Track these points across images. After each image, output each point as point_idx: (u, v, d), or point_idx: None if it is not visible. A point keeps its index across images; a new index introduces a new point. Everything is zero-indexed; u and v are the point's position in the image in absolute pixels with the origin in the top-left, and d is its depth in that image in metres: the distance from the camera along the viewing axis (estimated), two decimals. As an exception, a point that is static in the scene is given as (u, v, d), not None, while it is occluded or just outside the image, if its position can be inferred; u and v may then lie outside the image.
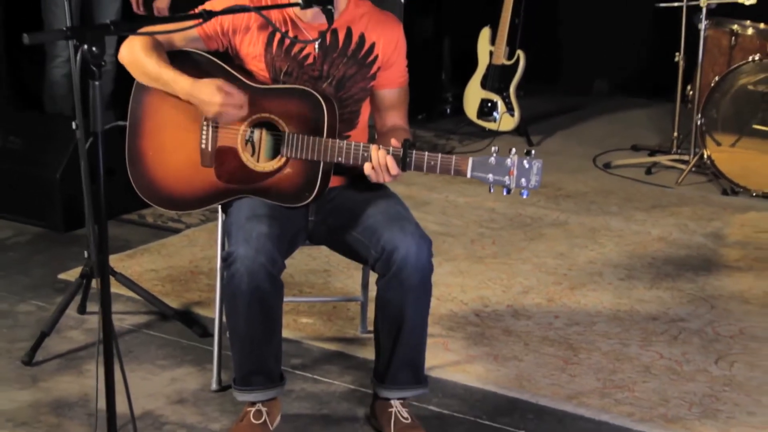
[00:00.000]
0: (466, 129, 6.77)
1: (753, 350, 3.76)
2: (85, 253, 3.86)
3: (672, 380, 3.53)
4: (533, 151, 2.86)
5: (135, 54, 3.07)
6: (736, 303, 4.17)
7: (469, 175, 2.88)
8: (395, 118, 3.26)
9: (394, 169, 2.90)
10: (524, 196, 2.88)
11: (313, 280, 4.31)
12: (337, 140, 2.98)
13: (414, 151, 2.90)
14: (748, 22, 5.85)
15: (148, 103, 3.17)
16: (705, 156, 5.62)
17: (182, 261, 4.53)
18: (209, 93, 3.00)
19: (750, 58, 5.47)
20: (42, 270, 4.43)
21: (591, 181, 5.84)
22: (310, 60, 3.13)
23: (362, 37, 3.16)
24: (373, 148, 2.92)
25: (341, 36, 3.15)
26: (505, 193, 2.89)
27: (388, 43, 3.19)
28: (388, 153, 2.90)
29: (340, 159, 2.98)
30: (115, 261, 4.40)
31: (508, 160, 2.86)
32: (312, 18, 3.12)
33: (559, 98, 7.77)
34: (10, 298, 4.15)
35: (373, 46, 3.17)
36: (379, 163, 2.91)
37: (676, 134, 6.11)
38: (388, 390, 3.16)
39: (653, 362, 3.65)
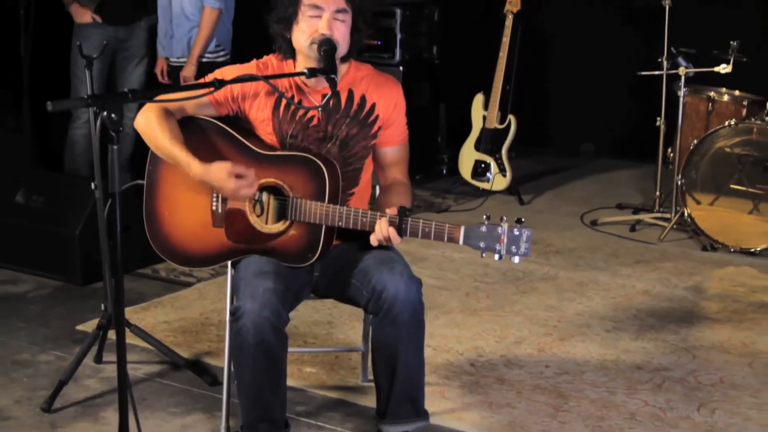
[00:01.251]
0: (461, 188, 6.79)
1: (733, 398, 3.74)
2: (102, 306, 3.86)
3: (656, 427, 3.51)
4: (523, 220, 2.87)
5: (150, 126, 3.09)
6: (716, 353, 4.15)
7: (461, 242, 2.89)
8: (396, 174, 3.27)
9: (396, 239, 2.92)
10: (515, 262, 2.88)
11: (317, 332, 4.30)
12: (338, 206, 3.00)
13: (409, 219, 2.92)
14: (723, 89, 5.88)
15: (163, 167, 3.19)
16: (686, 214, 5.62)
17: (193, 313, 4.52)
18: (221, 179, 3.01)
19: (726, 123, 5.49)
20: (61, 322, 4.42)
21: (579, 237, 5.84)
22: (315, 122, 3.16)
23: (363, 99, 3.19)
24: (378, 221, 2.93)
25: (343, 98, 3.17)
26: (496, 259, 2.89)
27: (388, 103, 3.21)
28: (389, 223, 2.91)
29: (340, 223, 2.99)
30: (131, 313, 4.40)
31: (499, 229, 2.86)
32: (315, 83, 3.14)
33: (548, 160, 7.78)
34: (31, 348, 4.14)
35: (373, 106, 3.19)
36: (382, 234, 2.92)
37: (658, 194, 6.12)
38: (389, 425, 3.14)
39: (639, 409, 3.63)
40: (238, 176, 3.01)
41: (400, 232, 2.92)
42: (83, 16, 5.57)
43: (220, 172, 3.01)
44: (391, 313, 2.97)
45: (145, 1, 5.76)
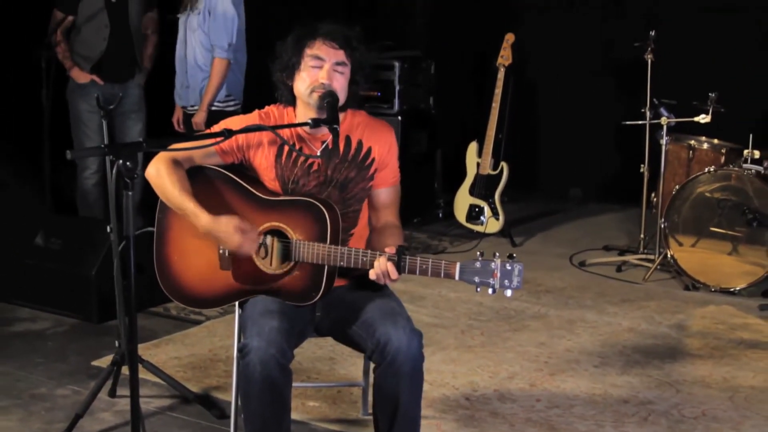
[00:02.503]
0: (456, 231, 6.80)
1: (714, 430, 3.73)
2: (116, 343, 3.86)
3: (642, 458, 3.50)
4: (515, 255, 2.88)
5: (161, 177, 3.11)
6: (698, 387, 4.14)
7: (457, 278, 2.89)
8: (388, 216, 3.28)
9: (394, 274, 2.92)
10: (508, 296, 2.88)
11: (320, 367, 4.29)
12: (339, 247, 3.01)
13: (408, 257, 2.92)
14: (703, 138, 5.92)
15: (172, 214, 3.20)
16: (668, 255, 5.63)
17: (202, 350, 4.51)
18: (228, 233, 3.03)
19: (706, 170, 5.52)
20: (77, 358, 4.42)
21: (568, 277, 5.84)
22: (315, 167, 3.17)
23: (360, 143, 3.21)
24: (378, 258, 2.94)
25: (341, 143, 3.19)
26: (490, 293, 2.89)
27: (383, 147, 3.23)
28: (388, 260, 2.92)
29: (342, 263, 3.00)
30: (143, 350, 4.39)
31: (492, 264, 2.86)
32: (315, 130, 3.16)
33: (538, 204, 7.80)
34: (49, 383, 4.12)
35: (369, 150, 3.21)
36: (381, 269, 2.93)
37: (642, 236, 6.12)
38: None
39: (625, 442, 3.63)
40: (243, 231, 3.03)
41: (399, 269, 2.92)
42: (84, 78, 5.66)
43: (227, 226, 3.03)
44: (394, 365, 2.96)
45: (136, 60, 5.84)
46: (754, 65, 7.01)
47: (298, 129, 3.18)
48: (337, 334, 3.22)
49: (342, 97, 3.14)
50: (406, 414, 3.04)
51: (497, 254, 2.88)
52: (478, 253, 2.89)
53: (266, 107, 3.27)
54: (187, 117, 5.59)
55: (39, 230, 5.14)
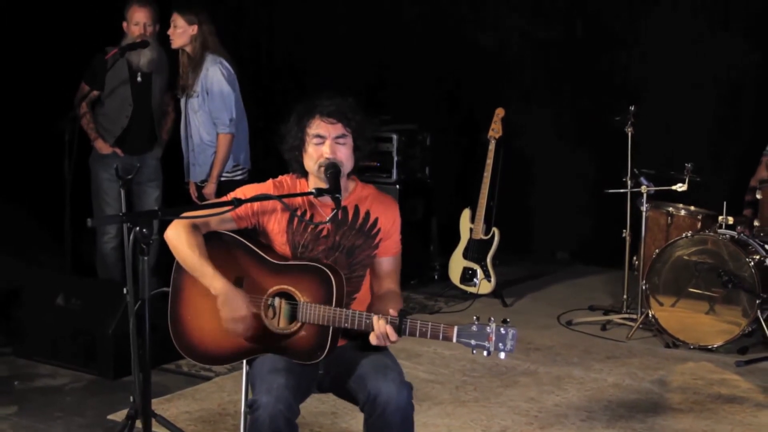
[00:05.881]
0: (450, 292, 6.78)
1: (695, 482, 3.70)
2: (131, 398, 3.84)
3: (627, 508, 3.46)
4: (509, 320, 2.89)
5: (180, 240, 3.13)
6: (679, 441, 4.13)
7: (454, 340, 2.90)
8: (389, 283, 3.29)
9: (393, 336, 2.93)
10: (502, 358, 2.88)
11: (322, 421, 4.27)
12: (344, 309, 3.01)
13: (408, 320, 2.93)
14: (681, 205, 5.94)
15: (187, 275, 3.21)
16: (650, 315, 5.62)
17: (212, 404, 4.49)
18: (235, 310, 3.07)
19: (684, 235, 5.53)
20: (94, 412, 4.39)
21: (556, 336, 5.82)
22: (325, 233, 3.20)
23: (368, 214, 3.24)
24: (375, 318, 2.95)
25: (350, 212, 3.22)
26: (485, 355, 2.89)
27: (388, 219, 3.26)
28: (388, 323, 2.93)
29: (346, 325, 3.01)
30: (156, 404, 4.36)
31: (488, 328, 2.88)
32: (325, 198, 3.19)
33: (528, 266, 7.78)
34: (66, 436, 4.11)
35: (376, 220, 3.24)
36: (380, 331, 2.93)
37: (625, 297, 6.12)
38: None
39: (611, 492, 3.59)
40: (243, 320, 3.08)
41: (400, 331, 2.93)
42: (106, 149, 5.73)
43: (240, 300, 3.08)
44: (384, 416, 2.95)
45: (155, 134, 5.91)
46: (726, 138, 7.07)
47: (310, 197, 3.21)
48: (337, 390, 3.22)
49: (348, 165, 3.18)
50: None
51: (492, 319, 2.89)
52: (475, 317, 2.90)
53: (280, 177, 3.30)
54: (200, 189, 5.63)
55: (60, 291, 5.15)
